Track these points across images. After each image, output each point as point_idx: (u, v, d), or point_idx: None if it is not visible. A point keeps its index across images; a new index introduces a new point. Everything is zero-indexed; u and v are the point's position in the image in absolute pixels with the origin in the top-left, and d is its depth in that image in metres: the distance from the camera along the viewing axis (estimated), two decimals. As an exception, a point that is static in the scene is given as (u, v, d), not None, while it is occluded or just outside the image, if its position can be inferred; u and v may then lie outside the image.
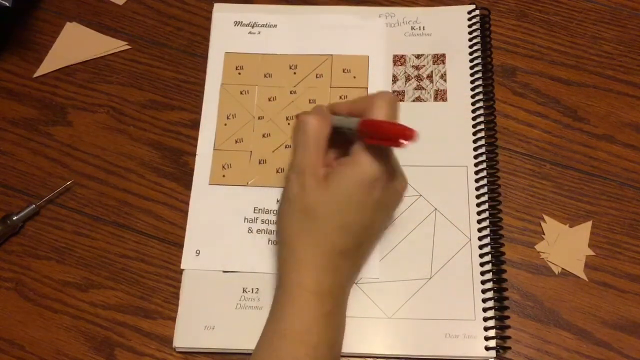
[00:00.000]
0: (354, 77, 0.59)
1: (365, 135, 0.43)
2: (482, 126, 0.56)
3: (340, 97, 0.58)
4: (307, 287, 0.44)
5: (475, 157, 0.55)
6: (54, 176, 0.57)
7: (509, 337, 0.50)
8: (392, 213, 0.51)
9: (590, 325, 0.51)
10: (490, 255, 0.52)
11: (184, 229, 0.55)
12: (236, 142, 0.57)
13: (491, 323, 0.50)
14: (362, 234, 0.46)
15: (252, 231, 0.54)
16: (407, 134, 0.40)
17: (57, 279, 0.54)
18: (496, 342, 0.50)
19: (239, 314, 0.51)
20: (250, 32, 0.61)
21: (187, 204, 0.55)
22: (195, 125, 0.58)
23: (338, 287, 0.45)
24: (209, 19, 0.63)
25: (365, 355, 0.50)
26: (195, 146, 0.57)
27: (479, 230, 0.53)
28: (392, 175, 0.45)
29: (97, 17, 0.64)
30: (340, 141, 0.47)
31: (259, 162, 0.56)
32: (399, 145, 0.40)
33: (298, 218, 0.45)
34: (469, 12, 0.61)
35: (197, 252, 0.54)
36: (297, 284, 0.44)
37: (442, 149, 0.56)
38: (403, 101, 0.58)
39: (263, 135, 0.57)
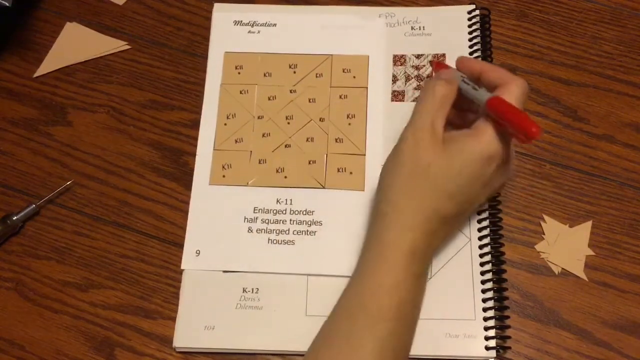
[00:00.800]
0: (354, 76, 0.59)
1: (492, 113, 0.44)
2: (482, 126, 0.56)
3: (340, 97, 0.58)
4: (401, 247, 0.44)
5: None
6: (54, 176, 0.57)
7: (509, 337, 0.50)
8: (494, 193, 0.50)
9: (590, 325, 0.51)
10: (490, 255, 0.52)
11: (184, 229, 0.55)
12: (236, 142, 0.57)
13: (491, 323, 0.50)
14: (465, 205, 0.46)
15: (252, 231, 0.54)
16: (534, 131, 0.41)
17: (57, 279, 0.54)
18: (496, 342, 0.50)
19: (239, 314, 0.51)
20: (250, 32, 0.61)
21: (187, 204, 0.55)
22: (195, 125, 0.58)
23: (430, 251, 0.46)
24: (209, 19, 0.63)
25: (365, 355, 0.50)
26: (195, 146, 0.57)
27: (479, 230, 0.53)
28: (508, 158, 0.46)
29: (97, 17, 0.64)
30: (460, 104, 0.47)
31: (259, 162, 0.56)
32: (520, 138, 0.42)
33: (408, 174, 0.45)
34: (469, 12, 0.61)
35: (197, 252, 0.54)
36: (393, 242, 0.44)
37: (442, 149, 0.56)
38: (403, 101, 0.58)
39: (263, 135, 0.57)
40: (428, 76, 0.58)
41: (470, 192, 0.45)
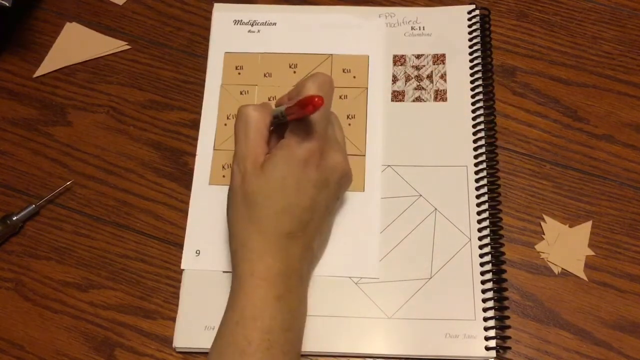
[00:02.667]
0: (354, 77, 0.59)
1: (291, 115, 0.45)
2: (482, 126, 0.56)
3: (341, 97, 0.58)
4: (256, 273, 0.44)
5: (475, 157, 0.55)
6: (54, 176, 0.57)
7: (509, 337, 0.50)
8: (336, 189, 0.49)
9: (590, 325, 0.51)
10: (490, 255, 0.52)
11: (184, 229, 0.55)
12: (236, 142, 0.57)
13: (491, 323, 0.50)
14: (304, 215, 0.46)
15: (252, 231, 0.54)
16: (316, 101, 0.42)
17: (57, 279, 0.54)
18: (496, 342, 0.50)
19: (239, 314, 0.51)
20: (249, 31, 0.61)
21: (187, 204, 0.55)
22: (195, 125, 0.58)
23: (289, 269, 0.45)
24: (209, 19, 0.63)
25: (366, 355, 0.50)
26: (195, 146, 0.57)
27: (479, 230, 0.53)
28: (325, 153, 0.47)
29: (97, 17, 0.64)
30: (284, 131, 0.47)
31: (259, 162, 0.56)
32: (307, 112, 0.42)
33: (241, 207, 0.46)
34: (469, 12, 0.61)
35: (197, 252, 0.54)
36: (248, 271, 0.44)
37: (442, 149, 0.56)
38: (403, 101, 0.58)
39: (263, 135, 0.57)
40: (429, 76, 0.58)
41: (302, 201, 0.45)
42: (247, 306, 0.44)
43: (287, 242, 0.45)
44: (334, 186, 0.48)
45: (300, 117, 0.44)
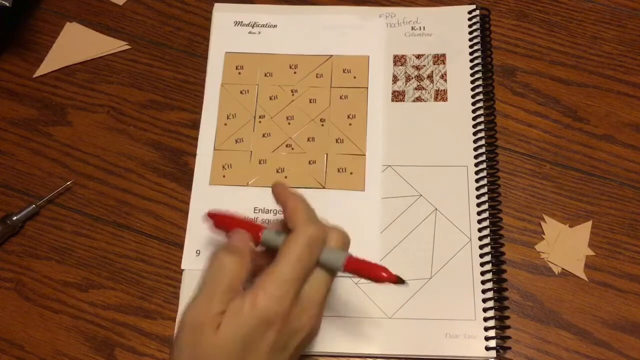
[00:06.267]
0: (354, 77, 0.59)
1: (350, 271, 0.42)
2: (482, 126, 0.56)
3: (341, 97, 0.58)
4: None
5: (475, 157, 0.55)
6: (54, 176, 0.57)
7: (509, 337, 0.50)
8: (294, 352, 0.42)
9: (590, 325, 0.51)
10: (490, 255, 0.52)
11: (184, 229, 0.55)
12: (236, 142, 0.57)
13: (491, 323, 0.50)
14: None
15: (252, 231, 0.54)
16: (385, 276, 0.41)
17: (57, 279, 0.54)
18: (496, 342, 0.50)
19: (239, 314, 0.51)
20: (250, 32, 0.61)
21: (187, 204, 0.55)
22: (195, 125, 0.58)
23: None
24: (209, 19, 0.63)
25: (366, 355, 0.50)
26: (195, 146, 0.57)
27: (479, 230, 0.53)
28: (292, 315, 0.40)
29: (97, 17, 0.64)
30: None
31: (259, 162, 0.56)
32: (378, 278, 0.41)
33: None
34: (469, 12, 0.61)
35: (198, 252, 0.54)
36: None
37: (442, 149, 0.56)
38: (403, 101, 0.58)
39: (263, 135, 0.57)
40: (430, 76, 0.58)
41: None
42: None
43: None
44: (292, 349, 0.42)
45: (356, 274, 0.42)
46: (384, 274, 0.41)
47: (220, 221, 0.47)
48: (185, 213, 0.55)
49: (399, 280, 0.41)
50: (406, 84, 0.59)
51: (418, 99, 0.58)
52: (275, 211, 0.55)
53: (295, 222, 0.42)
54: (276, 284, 0.40)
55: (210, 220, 0.47)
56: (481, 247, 0.53)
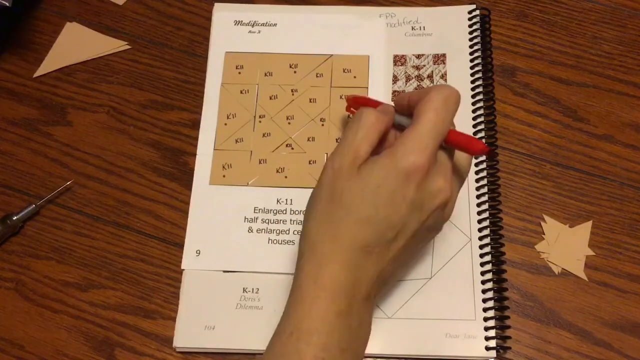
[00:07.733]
0: (355, 77, 0.59)
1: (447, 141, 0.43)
2: (482, 126, 0.56)
3: (341, 97, 0.58)
4: (320, 283, 0.40)
5: (475, 157, 0.55)
6: (54, 176, 0.57)
7: (509, 337, 0.50)
8: (428, 218, 0.42)
9: (590, 325, 0.51)
10: (490, 255, 0.52)
11: (184, 229, 0.55)
12: (236, 141, 0.57)
13: (491, 323, 0.50)
14: (388, 231, 0.41)
15: (252, 231, 0.54)
16: (481, 148, 0.41)
17: (57, 279, 0.54)
18: (496, 342, 0.50)
19: (239, 314, 0.51)
20: (250, 32, 0.61)
21: (187, 204, 0.55)
22: (195, 125, 0.58)
23: (356, 285, 0.41)
24: (209, 19, 0.63)
25: (366, 355, 0.50)
26: (195, 146, 0.57)
27: (479, 230, 0.53)
28: (431, 175, 0.41)
29: (97, 17, 0.64)
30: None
31: (259, 162, 0.56)
32: (471, 149, 0.42)
33: (323, 206, 0.42)
34: (469, 12, 0.61)
35: (198, 252, 0.54)
36: (311, 279, 0.40)
37: (442, 149, 0.56)
38: (403, 101, 0.58)
39: (263, 135, 0.57)
40: (430, 76, 0.58)
41: (391, 217, 0.40)
42: (304, 318, 0.40)
43: (361, 256, 0.41)
44: (427, 213, 0.42)
45: (455, 146, 0.42)
46: (481, 146, 0.41)
47: (355, 101, 0.53)
48: (185, 213, 0.55)
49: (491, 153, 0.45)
50: (406, 84, 0.59)
51: (418, 99, 0.58)
52: (275, 211, 0.55)
53: (427, 91, 0.42)
54: (414, 140, 0.40)
55: (348, 102, 0.54)
56: (481, 247, 0.53)
